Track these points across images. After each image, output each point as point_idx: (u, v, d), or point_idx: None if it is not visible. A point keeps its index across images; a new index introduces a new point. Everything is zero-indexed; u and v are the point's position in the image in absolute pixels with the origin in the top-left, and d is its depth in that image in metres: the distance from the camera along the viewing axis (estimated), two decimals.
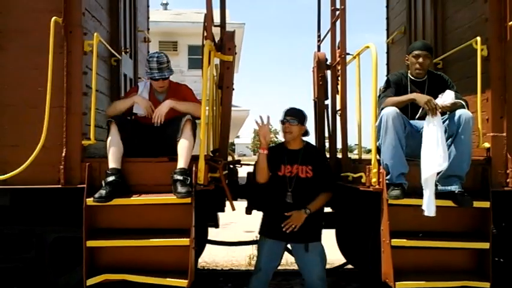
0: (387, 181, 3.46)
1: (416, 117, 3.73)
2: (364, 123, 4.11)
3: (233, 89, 4.23)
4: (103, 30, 4.46)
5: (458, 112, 3.49)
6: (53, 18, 3.54)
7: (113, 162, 3.55)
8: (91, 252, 3.50)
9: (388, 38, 6.26)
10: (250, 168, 4.51)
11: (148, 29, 6.39)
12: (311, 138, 4.01)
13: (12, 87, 3.67)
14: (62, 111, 3.62)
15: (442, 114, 3.52)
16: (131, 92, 4.06)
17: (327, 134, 5.00)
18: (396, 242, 3.38)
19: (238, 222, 8.68)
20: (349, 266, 5.72)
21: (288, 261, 5.79)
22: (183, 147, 3.56)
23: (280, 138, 4.71)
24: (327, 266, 3.88)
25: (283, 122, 3.74)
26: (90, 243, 3.46)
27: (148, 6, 6.47)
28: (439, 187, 3.45)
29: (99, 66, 3.95)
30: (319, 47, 5.43)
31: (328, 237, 4.73)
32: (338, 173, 4.18)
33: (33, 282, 4.06)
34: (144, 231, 3.53)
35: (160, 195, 3.53)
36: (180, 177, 3.41)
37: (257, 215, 4.24)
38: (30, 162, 3.47)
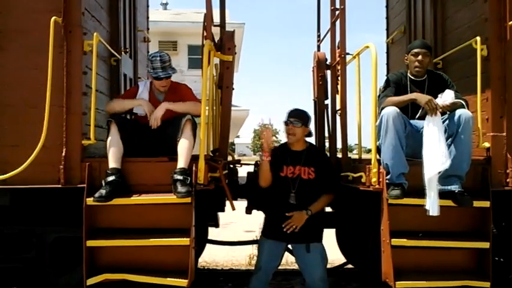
0: (387, 181, 3.46)
1: (417, 117, 3.74)
2: (364, 123, 4.11)
3: (233, 89, 4.22)
4: (103, 30, 4.46)
5: (458, 112, 3.49)
6: (53, 18, 3.54)
7: (113, 162, 3.55)
8: (91, 252, 3.50)
9: (387, 37, 6.26)
10: (250, 168, 4.52)
11: (148, 29, 6.39)
12: (311, 138, 4.01)
13: (12, 87, 3.67)
14: (61, 111, 3.63)
15: (442, 114, 3.53)
16: (131, 92, 4.06)
17: (326, 134, 5.00)
18: (396, 241, 3.39)
19: (238, 222, 8.68)
20: (349, 266, 5.72)
21: (288, 261, 5.79)
22: (183, 147, 3.56)
23: (281, 137, 4.70)
24: (327, 266, 3.88)
25: (286, 124, 3.72)
26: (91, 243, 3.46)
27: (148, 6, 6.46)
28: (439, 187, 3.44)
29: (99, 66, 3.95)
30: (319, 46, 5.43)
31: (328, 237, 4.74)
32: (338, 172, 4.18)
33: (34, 282, 4.06)
34: (144, 231, 3.53)
35: (160, 195, 3.53)
36: (180, 177, 3.41)
37: (257, 215, 4.25)
38: (30, 162, 3.48)
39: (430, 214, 3.30)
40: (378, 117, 3.63)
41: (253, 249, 6.14)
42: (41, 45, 3.58)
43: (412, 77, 3.88)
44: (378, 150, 3.63)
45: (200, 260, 5.75)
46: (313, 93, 5.23)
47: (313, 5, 5.69)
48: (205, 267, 6.27)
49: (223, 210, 4.67)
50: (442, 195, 3.42)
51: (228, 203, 4.08)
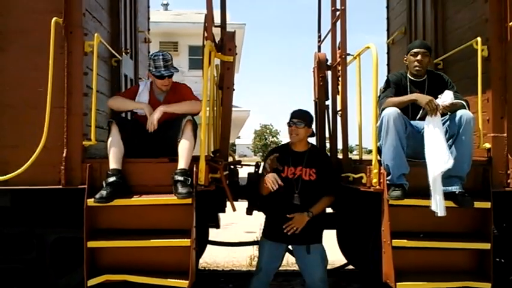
0: (388, 182, 3.46)
1: (417, 117, 3.73)
2: (365, 124, 4.11)
3: (234, 90, 4.22)
4: (103, 31, 4.46)
5: (459, 113, 3.48)
6: (54, 19, 3.54)
7: (113, 163, 3.55)
8: (92, 253, 3.50)
9: (388, 38, 6.26)
10: (251, 169, 4.51)
11: (148, 30, 6.39)
12: (312, 139, 4.01)
13: (13, 88, 3.66)
14: (62, 112, 3.62)
15: (443, 114, 3.52)
16: (132, 90, 4.05)
17: (327, 135, 4.99)
18: (397, 242, 3.38)
19: (239, 222, 8.68)
20: (350, 267, 5.71)
21: (289, 261, 5.79)
22: (183, 147, 3.56)
23: (281, 138, 4.70)
24: (328, 267, 3.88)
25: (289, 125, 3.73)
26: (91, 244, 3.45)
27: (148, 7, 6.46)
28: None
29: (99, 66, 3.95)
30: (319, 47, 5.43)
31: (329, 238, 4.73)
32: (339, 173, 4.18)
33: (34, 283, 4.06)
34: (145, 232, 3.53)
35: (161, 196, 3.53)
36: (180, 178, 3.41)
37: (258, 216, 4.24)
38: (31, 163, 3.47)
39: (439, 215, 3.29)
40: (378, 118, 3.63)
41: (254, 250, 6.14)
42: (41, 46, 3.57)
43: (412, 78, 3.87)
44: (379, 151, 3.62)
45: (201, 261, 5.75)
46: (314, 94, 5.23)
47: (314, 5, 5.71)
48: (206, 268, 6.27)
49: (224, 211, 4.66)
50: (443, 196, 3.41)
51: (228, 203, 4.08)
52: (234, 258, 6.91)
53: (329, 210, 4.80)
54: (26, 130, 3.62)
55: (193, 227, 3.45)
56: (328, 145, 4.98)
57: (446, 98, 3.51)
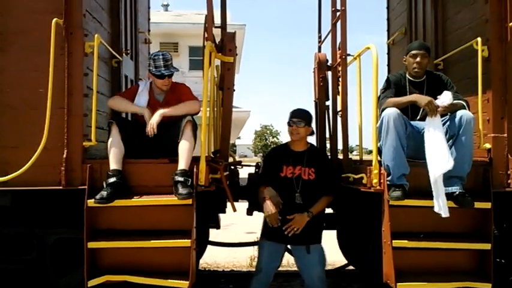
0: (388, 182, 3.46)
1: (417, 118, 3.73)
2: (365, 124, 4.11)
3: (234, 90, 4.23)
4: (104, 32, 4.46)
5: (459, 113, 3.48)
6: (54, 20, 3.54)
7: (114, 164, 3.56)
8: (92, 254, 3.50)
9: (388, 39, 6.26)
10: (252, 169, 4.52)
11: (149, 30, 6.40)
12: (312, 139, 4.02)
13: (13, 89, 3.67)
14: (63, 113, 3.63)
15: (443, 115, 3.52)
16: (132, 90, 4.05)
17: (327, 135, 4.99)
18: (397, 243, 3.38)
19: (239, 223, 8.67)
20: (351, 267, 5.71)
21: (289, 262, 5.78)
22: (183, 148, 3.56)
23: (282, 139, 4.70)
24: (328, 267, 3.88)
25: (290, 125, 3.74)
26: (92, 245, 3.46)
27: (149, 8, 6.47)
28: None
29: (100, 67, 3.95)
30: (319, 48, 5.43)
31: (329, 238, 4.73)
32: (339, 173, 4.18)
33: (34, 283, 4.06)
34: (145, 233, 3.53)
35: (161, 197, 3.53)
36: (181, 179, 3.42)
37: (258, 216, 4.23)
38: (31, 164, 3.48)
39: (443, 216, 3.29)
40: (378, 119, 3.63)
41: (254, 251, 6.13)
42: (41, 47, 3.58)
43: (411, 78, 3.87)
44: (379, 151, 3.62)
45: (201, 261, 5.75)
46: (314, 94, 5.23)
47: (314, 5, 5.71)
48: (206, 269, 6.27)
49: (224, 212, 4.66)
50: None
51: (229, 204, 4.08)
52: (234, 258, 6.91)
53: (329, 210, 4.81)
54: (27, 131, 3.63)
55: (193, 228, 3.45)
56: (328, 145, 4.98)
57: (445, 98, 3.50)
